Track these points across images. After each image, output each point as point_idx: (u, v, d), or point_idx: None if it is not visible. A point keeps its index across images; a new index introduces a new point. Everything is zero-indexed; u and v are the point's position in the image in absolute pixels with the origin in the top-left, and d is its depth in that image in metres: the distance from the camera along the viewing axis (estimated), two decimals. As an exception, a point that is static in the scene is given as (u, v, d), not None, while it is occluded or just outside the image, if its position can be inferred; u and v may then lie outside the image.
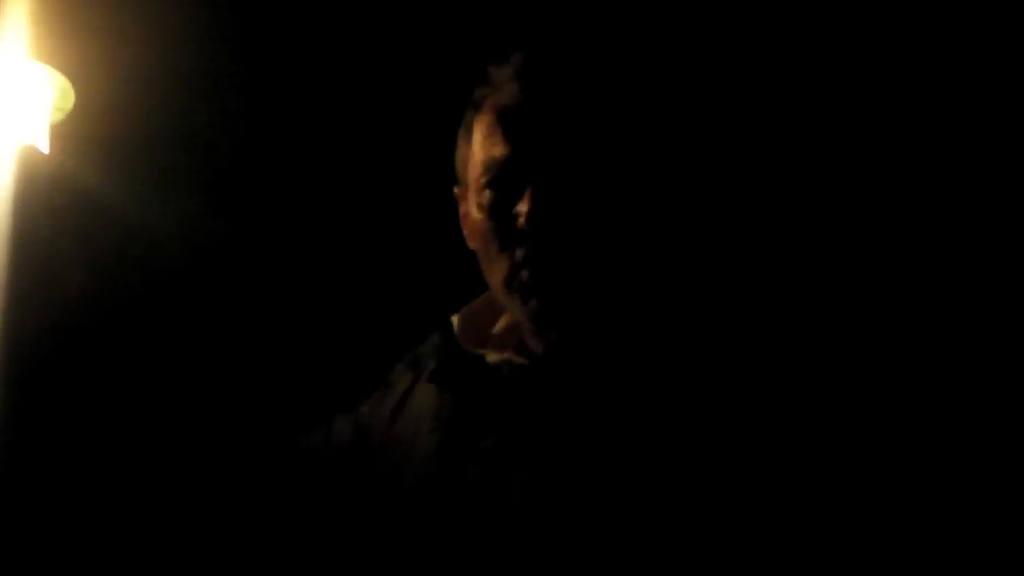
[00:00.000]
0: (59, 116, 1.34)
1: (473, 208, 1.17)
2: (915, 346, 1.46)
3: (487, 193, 1.13)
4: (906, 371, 1.36)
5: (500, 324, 1.22)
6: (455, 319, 1.25)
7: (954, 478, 1.23)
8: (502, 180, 1.11)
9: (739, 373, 1.10)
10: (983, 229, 1.57)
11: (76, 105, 1.37)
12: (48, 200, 1.35)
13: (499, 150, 1.11)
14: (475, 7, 1.65)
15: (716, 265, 1.31)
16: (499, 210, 1.12)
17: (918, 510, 1.14)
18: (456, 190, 1.24)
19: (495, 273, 1.15)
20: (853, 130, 1.63)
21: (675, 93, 1.46)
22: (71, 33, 1.35)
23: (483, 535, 1.08)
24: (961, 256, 1.56)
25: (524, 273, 1.10)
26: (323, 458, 1.31)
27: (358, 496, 1.24)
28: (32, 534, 1.43)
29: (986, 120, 1.59)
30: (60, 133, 1.38)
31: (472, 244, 1.22)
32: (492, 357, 1.19)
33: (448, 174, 1.26)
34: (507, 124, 1.11)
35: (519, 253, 1.10)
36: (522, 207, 1.08)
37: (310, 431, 1.35)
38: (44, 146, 1.35)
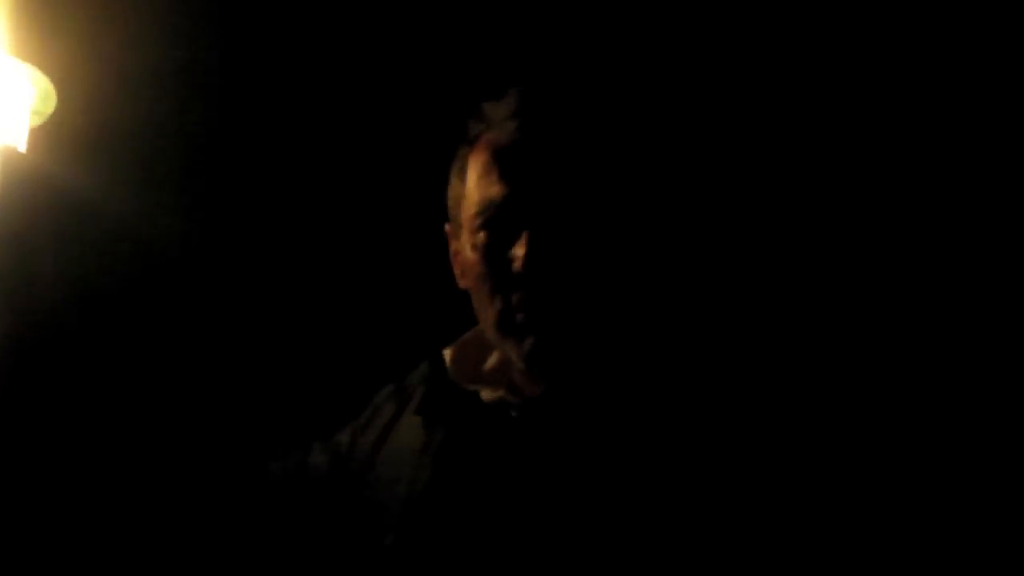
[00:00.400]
0: (38, 120, 1.31)
1: (466, 247, 1.14)
2: (915, 348, 1.48)
3: (482, 234, 1.11)
4: (907, 374, 1.38)
5: (491, 361, 1.20)
6: (447, 353, 1.22)
7: (953, 479, 1.25)
8: (498, 221, 1.09)
9: (736, 421, 1.09)
10: (983, 229, 1.57)
11: (57, 105, 1.34)
12: (28, 201, 1.33)
13: (495, 191, 1.09)
14: (467, 38, 1.62)
15: (713, 307, 1.29)
16: (494, 252, 1.10)
17: (919, 512, 1.15)
18: (447, 227, 1.21)
19: (488, 314, 1.12)
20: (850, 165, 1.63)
21: (673, 133, 1.43)
22: (53, 31, 1.31)
23: (475, 572, 1.07)
24: (961, 256, 1.57)
25: (519, 316, 1.09)
26: (297, 485, 1.28)
27: (337, 525, 1.22)
28: None
29: (986, 120, 1.59)
30: (41, 133, 1.35)
31: (463, 283, 1.19)
32: (487, 395, 1.16)
33: (440, 205, 1.23)
34: (504, 164, 1.08)
35: (515, 296, 1.08)
36: (518, 251, 1.06)
37: (283, 456, 1.32)
38: (23, 146, 1.33)
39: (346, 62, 1.69)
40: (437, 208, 1.23)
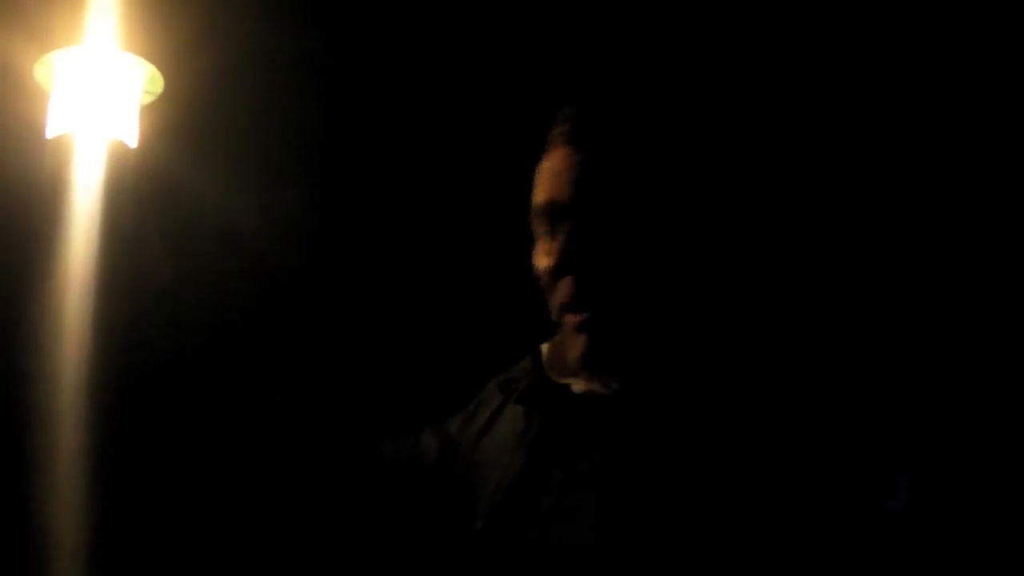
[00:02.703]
0: (149, 99, 1.31)
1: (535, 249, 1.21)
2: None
3: (538, 239, 1.18)
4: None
5: None
6: (544, 347, 1.27)
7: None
8: (547, 225, 1.16)
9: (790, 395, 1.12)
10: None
11: (166, 97, 1.33)
12: (138, 195, 1.33)
13: (541, 197, 1.17)
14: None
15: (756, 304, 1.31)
16: (545, 253, 1.16)
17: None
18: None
19: (551, 312, 1.18)
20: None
21: (711, 142, 1.46)
22: (161, 23, 1.30)
23: (548, 565, 1.09)
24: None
25: (568, 315, 1.14)
26: (408, 468, 1.33)
27: (438, 506, 1.27)
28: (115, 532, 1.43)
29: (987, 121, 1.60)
30: (150, 127, 1.34)
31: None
32: (577, 387, 1.20)
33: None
34: (553, 173, 1.16)
35: (558, 296, 1.14)
36: (551, 256, 1.13)
37: (397, 440, 1.36)
38: (133, 140, 1.32)
39: (466, 55, 1.66)
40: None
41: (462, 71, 1.68)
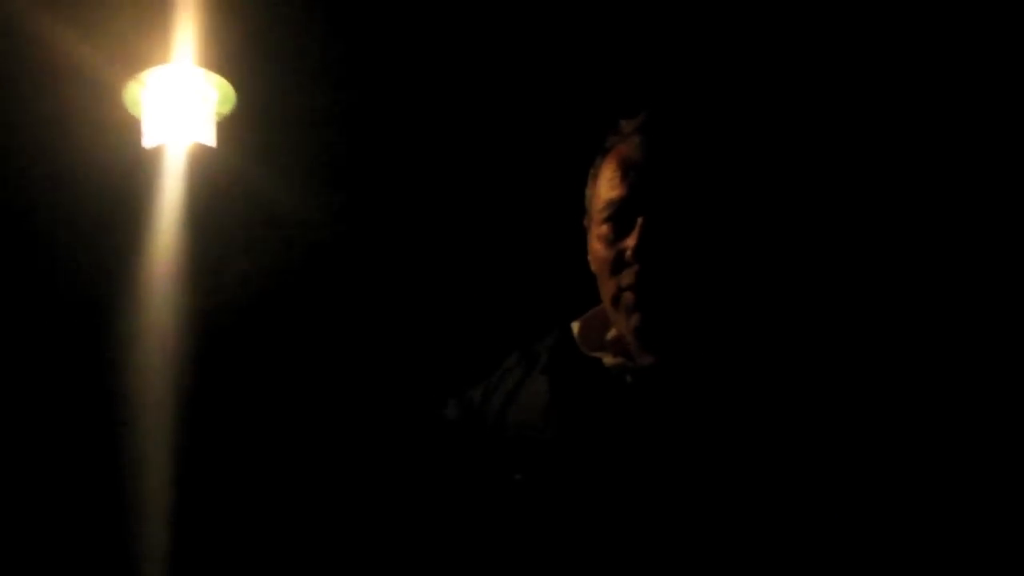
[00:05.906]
0: (218, 119, 1.48)
1: (594, 238, 1.34)
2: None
3: (604, 227, 1.30)
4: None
5: (612, 333, 1.36)
6: (575, 325, 1.40)
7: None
8: (618, 218, 1.29)
9: (835, 406, 1.22)
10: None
11: (240, 107, 1.51)
12: (216, 196, 1.50)
13: (617, 193, 1.29)
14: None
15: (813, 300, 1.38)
16: (613, 242, 1.29)
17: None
18: (584, 221, 1.41)
19: (605, 293, 1.32)
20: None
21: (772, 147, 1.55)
22: (235, 41, 1.48)
23: (603, 527, 1.22)
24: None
25: (627, 295, 1.27)
26: (432, 433, 1.46)
27: (470, 465, 1.39)
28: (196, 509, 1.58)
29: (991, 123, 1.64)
30: (228, 133, 1.52)
31: (592, 268, 1.37)
32: (608, 360, 1.33)
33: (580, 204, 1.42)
34: (626, 171, 1.29)
35: (624, 278, 1.27)
36: (630, 241, 1.26)
37: (425, 411, 1.49)
38: (212, 141, 1.50)
39: (515, 67, 1.80)
40: (577, 207, 1.42)
41: (514, 81, 1.81)
